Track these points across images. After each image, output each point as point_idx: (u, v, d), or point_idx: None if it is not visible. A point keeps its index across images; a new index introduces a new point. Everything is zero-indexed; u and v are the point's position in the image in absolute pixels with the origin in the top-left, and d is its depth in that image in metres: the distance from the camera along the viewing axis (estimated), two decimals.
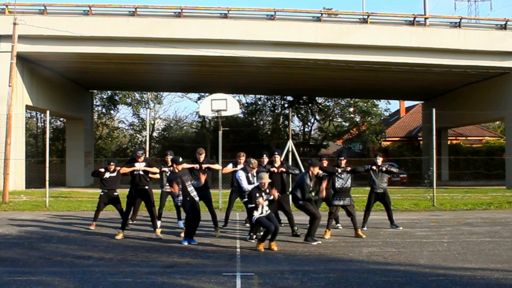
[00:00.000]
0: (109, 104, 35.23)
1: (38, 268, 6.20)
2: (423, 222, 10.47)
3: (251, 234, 8.15)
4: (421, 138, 34.53)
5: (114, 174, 9.51)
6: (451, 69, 20.38)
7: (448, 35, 19.72)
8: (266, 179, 7.50)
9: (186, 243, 7.74)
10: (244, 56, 19.07)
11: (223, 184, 13.10)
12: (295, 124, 36.15)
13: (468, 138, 36.20)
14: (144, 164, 8.66)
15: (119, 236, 8.37)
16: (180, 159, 8.12)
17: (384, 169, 9.40)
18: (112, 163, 9.67)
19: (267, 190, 7.51)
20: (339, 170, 8.59)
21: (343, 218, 9.37)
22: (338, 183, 8.55)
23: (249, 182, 8.08)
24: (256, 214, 7.35)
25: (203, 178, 8.13)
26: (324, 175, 8.54)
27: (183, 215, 8.92)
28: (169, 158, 9.15)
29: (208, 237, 8.44)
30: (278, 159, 8.86)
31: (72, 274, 5.88)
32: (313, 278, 5.68)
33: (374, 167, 9.41)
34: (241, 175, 8.21)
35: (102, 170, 9.53)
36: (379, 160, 9.45)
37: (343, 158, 8.66)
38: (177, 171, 7.88)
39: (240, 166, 8.67)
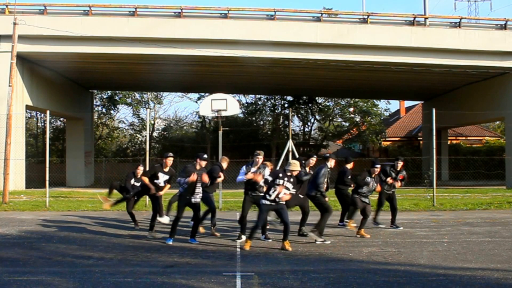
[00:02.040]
0: (109, 104, 35.20)
1: (38, 268, 6.20)
2: (423, 222, 10.47)
3: (265, 234, 8.27)
4: (421, 138, 34.52)
5: (138, 184, 9.44)
6: (451, 69, 20.36)
7: (448, 35, 19.70)
8: (296, 167, 7.56)
9: (170, 242, 7.87)
10: (244, 56, 19.07)
11: (223, 184, 13.09)
12: (295, 124, 36.19)
13: (468, 138, 36.18)
14: (167, 177, 8.50)
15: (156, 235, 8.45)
16: (205, 156, 8.04)
17: (400, 177, 9.66)
18: (140, 166, 9.67)
19: (291, 180, 7.50)
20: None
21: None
22: (365, 189, 8.79)
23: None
24: (266, 200, 7.43)
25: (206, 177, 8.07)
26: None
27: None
28: (170, 161, 8.93)
29: (208, 237, 8.45)
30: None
31: (72, 274, 5.88)
32: (313, 278, 5.69)
33: (393, 172, 9.63)
34: (243, 170, 8.29)
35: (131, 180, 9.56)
36: (399, 165, 9.64)
37: (379, 166, 8.89)
38: (198, 167, 7.87)
39: (253, 169, 8.34)
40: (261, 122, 36.61)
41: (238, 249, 7.39)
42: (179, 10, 19.12)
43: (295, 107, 33.25)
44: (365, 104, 34.22)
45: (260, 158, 8.41)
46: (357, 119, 35.28)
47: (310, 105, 34.36)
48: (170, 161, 8.49)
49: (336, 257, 6.92)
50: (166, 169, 8.53)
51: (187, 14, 19.28)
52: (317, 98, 34.44)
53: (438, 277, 5.69)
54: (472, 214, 11.77)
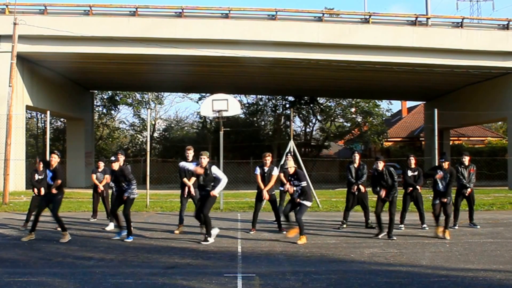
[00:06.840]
0: (109, 104, 35.19)
1: (38, 269, 6.18)
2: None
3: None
4: (423, 139, 34.46)
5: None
6: (453, 69, 20.30)
7: (450, 35, 19.65)
8: (290, 164, 8.15)
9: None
10: (245, 56, 19.04)
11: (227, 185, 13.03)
12: (297, 124, 36.17)
13: (470, 138, 36.12)
14: (51, 174, 8.50)
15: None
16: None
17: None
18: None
19: (295, 176, 8.02)
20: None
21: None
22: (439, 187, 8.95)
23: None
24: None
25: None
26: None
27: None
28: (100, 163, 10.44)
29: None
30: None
31: (73, 275, 5.85)
32: (315, 279, 5.65)
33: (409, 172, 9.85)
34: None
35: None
36: (413, 162, 9.71)
37: (444, 160, 9.03)
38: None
39: (267, 168, 8.92)
40: (263, 123, 36.60)
41: (239, 250, 7.36)
42: (180, 10, 19.11)
43: (297, 108, 33.21)
44: (367, 105, 34.18)
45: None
46: (359, 120, 35.24)
47: (311, 105, 34.32)
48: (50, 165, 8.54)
49: (338, 258, 6.88)
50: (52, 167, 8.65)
51: (188, 14, 19.26)
52: (318, 98, 34.39)
53: (440, 278, 5.65)
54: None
